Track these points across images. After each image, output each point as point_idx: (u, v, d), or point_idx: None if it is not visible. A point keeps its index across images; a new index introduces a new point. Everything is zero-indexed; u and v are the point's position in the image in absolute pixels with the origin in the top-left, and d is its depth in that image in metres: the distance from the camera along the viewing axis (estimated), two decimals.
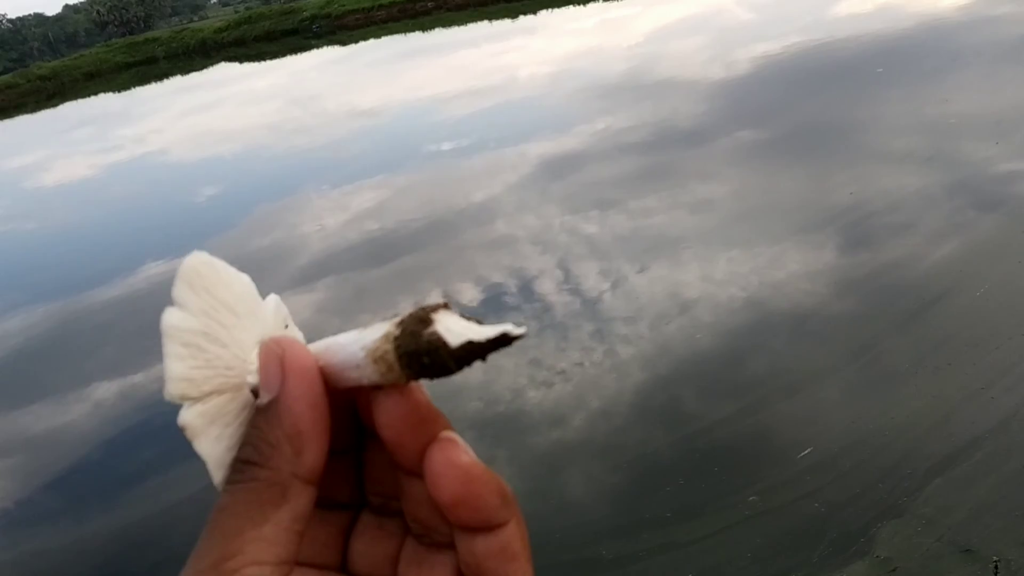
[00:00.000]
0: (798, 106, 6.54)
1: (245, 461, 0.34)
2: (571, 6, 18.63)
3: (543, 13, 18.71)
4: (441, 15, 22.36)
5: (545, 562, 2.48)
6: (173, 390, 0.33)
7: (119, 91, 22.79)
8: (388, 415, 0.34)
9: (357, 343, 0.33)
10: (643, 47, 11.37)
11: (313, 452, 0.34)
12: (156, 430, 3.83)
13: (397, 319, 0.33)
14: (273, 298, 0.39)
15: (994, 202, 4.17)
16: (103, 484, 3.58)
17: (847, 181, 4.74)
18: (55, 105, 22.21)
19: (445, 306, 0.33)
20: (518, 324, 0.31)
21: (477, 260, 4.85)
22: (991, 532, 2.27)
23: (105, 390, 4.37)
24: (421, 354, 0.31)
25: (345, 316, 4.50)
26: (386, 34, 21.13)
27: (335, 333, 0.34)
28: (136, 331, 5.12)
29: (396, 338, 0.32)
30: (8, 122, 21.16)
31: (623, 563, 2.45)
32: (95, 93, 23.23)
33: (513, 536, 0.34)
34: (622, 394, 3.27)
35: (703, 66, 8.81)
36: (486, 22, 19.40)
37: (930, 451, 2.61)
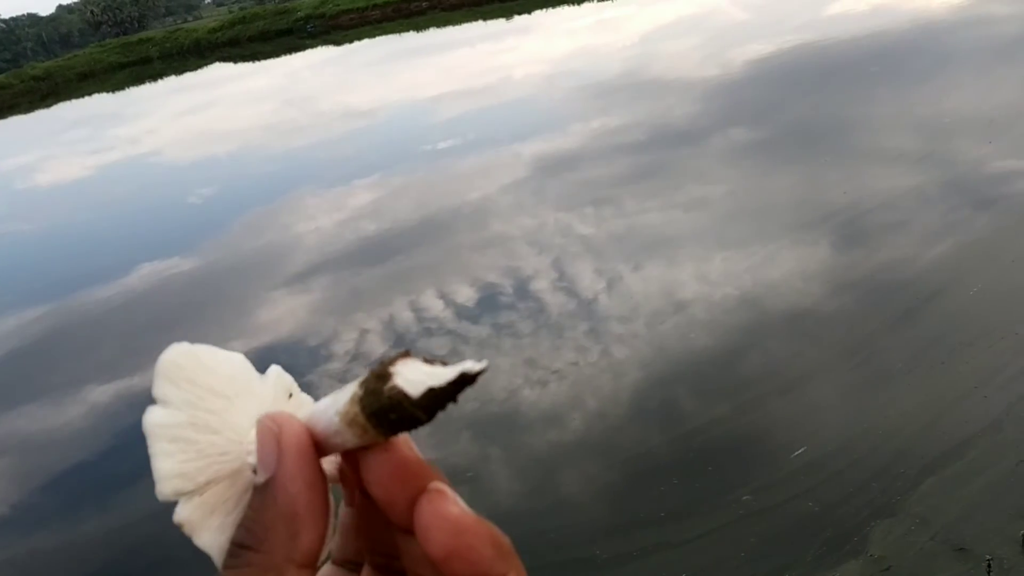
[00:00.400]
0: (792, 105, 6.55)
1: (240, 545, 0.32)
2: (566, 6, 18.63)
3: (538, 13, 18.72)
4: (435, 15, 22.35)
5: (539, 563, 2.48)
6: (165, 489, 0.32)
7: (113, 91, 22.75)
8: (373, 473, 0.33)
9: (332, 408, 0.32)
10: (638, 47, 11.39)
11: (310, 535, 0.32)
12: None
13: (361, 379, 0.32)
14: (274, 370, 0.38)
15: (987, 201, 4.18)
16: (99, 485, 3.57)
17: (840, 180, 4.75)
18: (49, 105, 22.15)
19: (406, 354, 0.32)
20: (479, 360, 0.30)
21: (472, 259, 4.85)
22: (984, 531, 2.28)
23: (100, 390, 4.36)
24: (387, 411, 0.30)
25: (340, 316, 4.49)
26: (380, 34, 21.12)
27: (329, 335, 0.34)
28: (130, 331, 5.11)
29: (360, 399, 0.31)
30: (1, 123, 21.10)
31: (617, 563, 2.45)
32: (89, 93, 23.17)
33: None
34: (616, 394, 3.28)
35: (698, 66, 8.82)
36: (481, 22, 19.40)
37: (923, 450, 2.62)
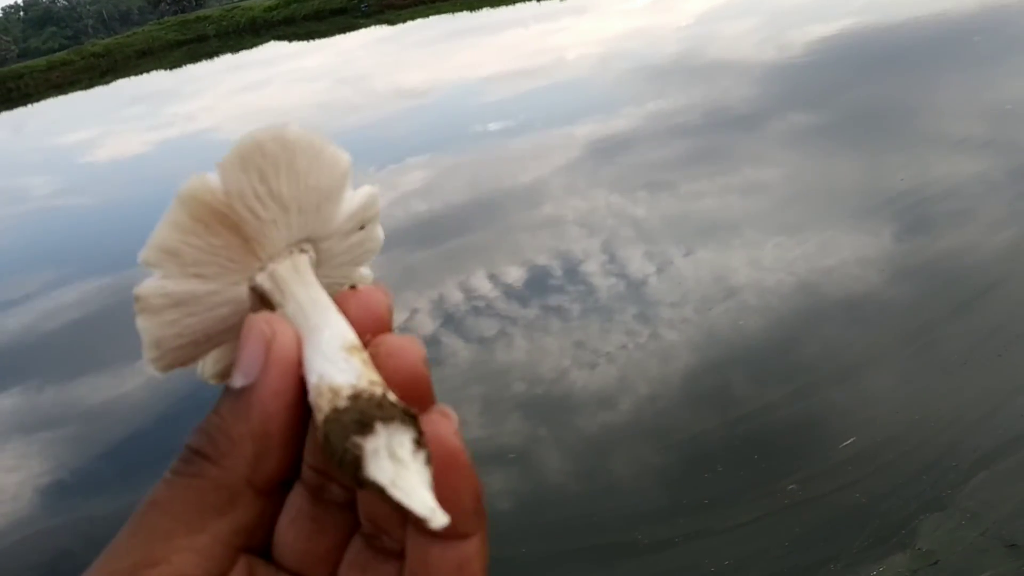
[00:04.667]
0: (850, 89, 6.42)
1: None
2: None
3: None
4: None
5: (580, 545, 2.50)
6: (148, 256, 0.29)
7: (170, 69, 23.11)
8: None
9: (317, 366, 0.29)
10: (694, 28, 11.24)
11: (276, 460, 0.29)
12: (207, 401, 3.90)
13: (359, 385, 0.28)
14: (364, 192, 0.34)
15: None
16: (155, 453, 3.67)
17: (899, 166, 4.66)
18: (108, 82, 22.58)
19: (413, 418, 0.28)
20: (436, 512, 0.26)
21: (523, 241, 4.85)
22: None
23: None
24: (335, 457, 0.27)
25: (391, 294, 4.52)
26: (434, 13, 21.12)
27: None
28: None
29: (329, 415, 0.27)
30: (63, 98, 21.57)
31: (659, 548, 2.46)
32: (147, 70, 23.57)
33: (475, 555, 0.29)
34: (664, 378, 3.27)
35: (755, 48, 8.68)
36: (534, 2, 19.30)
37: (976, 444, 2.58)
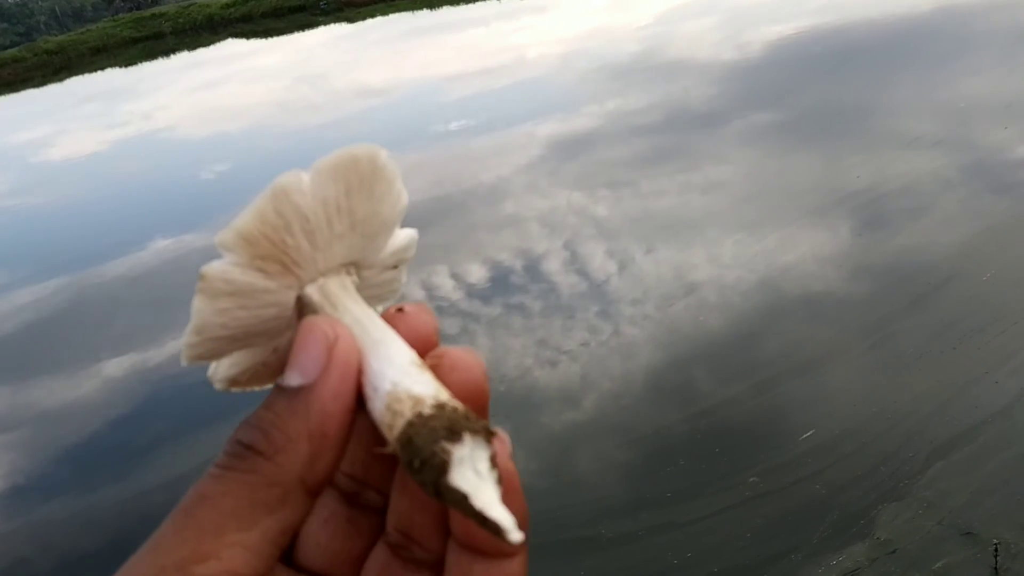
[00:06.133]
0: (807, 88, 6.51)
1: (248, 446, 0.28)
2: None
3: None
4: None
5: (544, 540, 2.50)
6: (227, 238, 0.29)
7: (126, 66, 22.73)
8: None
9: (390, 375, 0.29)
10: (654, 27, 11.31)
11: (329, 461, 0.29)
12: (165, 403, 3.86)
13: (440, 397, 0.29)
14: (408, 234, 0.35)
15: (1002, 186, 4.15)
16: (113, 457, 3.61)
17: (854, 164, 4.73)
18: (62, 80, 22.15)
19: (492, 435, 0.28)
20: (514, 527, 0.27)
21: (485, 239, 4.85)
22: (992, 515, 2.29)
23: (115, 364, 4.39)
24: (417, 459, 0.27)
25: None
26: (394, 11, 21.02)
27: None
28: (145, 306, 5.14)
29: (414, 420, 0.28)
30: (15, 96, 21.13)
31: (622, 542, 2.47)
32: (102, 68, 23.15)
33: (517, 572, 0.30)
34: (625, 375, 3.29)
35: (714, 47, 8.76)
36: (495, 0, 19.29)
37: (932, 435, 2.63)
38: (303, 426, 0.28)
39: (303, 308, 0.31)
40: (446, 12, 19.20)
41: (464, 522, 0.29)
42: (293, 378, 0.29)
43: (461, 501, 0.27)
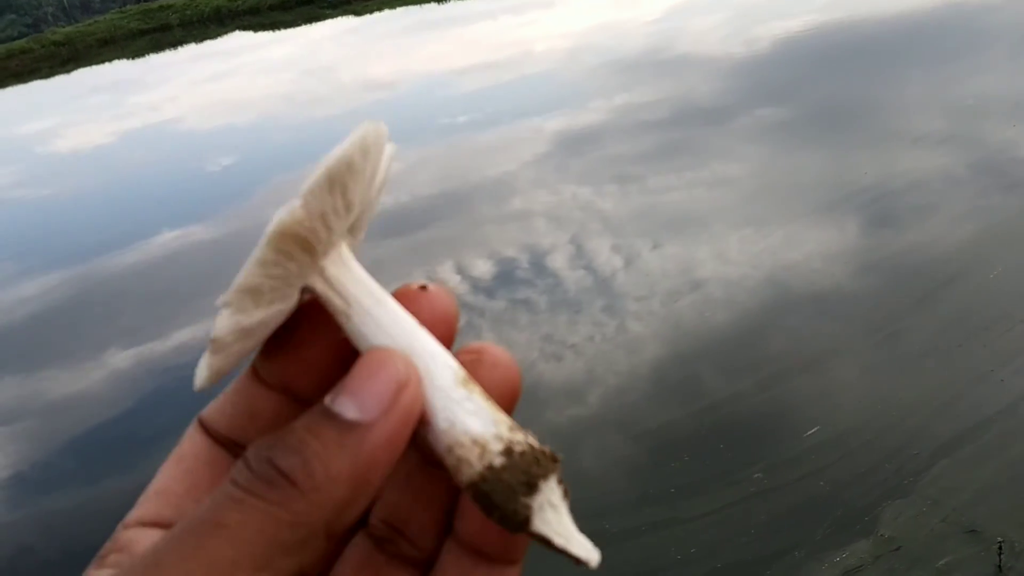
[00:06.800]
0: (815, 85, 6.49)
1: (284, 474, 0.25)
2: None
3: None
4: None
5: None
6: (231, 299, 0.27)
7: (133, 58, 22.74)
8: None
9: (440, 406, 0.28)
10: (661, 23, 11.28)
11: (361, 508, 0.27)
12: (171, 395, 3.87)
13: (502, 433, 0.28)
14: (389, 152, 0.33)
15: (1009, 184, 4.14)
16: (119, 447, 3.63)
17: (862, 161, 4.71)
18: (69, 71, 22.18)
19: (555, 461, 0.29)
20: (592, 553, 0.28)
21: (491, 234, 4.85)
22: (996, 513, 2.29)
23: (121, 356, 4.41)
24: (497, 508, 0.27)
25: None
26: (401, 4, 20.99)
27: None
28: (151, 297, 5.16)
29: (487, 475, 0.27)
30: (22, 87, 21.16)
31: (626, 537, 2.47)
32: (109, 60, 23.17)
33: None
34: (631, 370, 3.29)
35: (721, 43, 8.74)
36: None
37: (937, 432, 2.62)
38: (348, 467, 0.26)
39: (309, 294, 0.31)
40: (454, 6, 19.16)
41: (476, 529, 0.29)
42: (348, 409, 0.26)
43: (544, 542, 0.27)
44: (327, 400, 0.27)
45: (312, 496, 0.25)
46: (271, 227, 0.27)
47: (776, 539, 2.37)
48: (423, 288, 0.32)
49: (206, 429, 0.31)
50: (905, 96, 5.73)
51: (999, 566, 2.12)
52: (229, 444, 0.31)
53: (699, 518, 2.49)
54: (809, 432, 2.73)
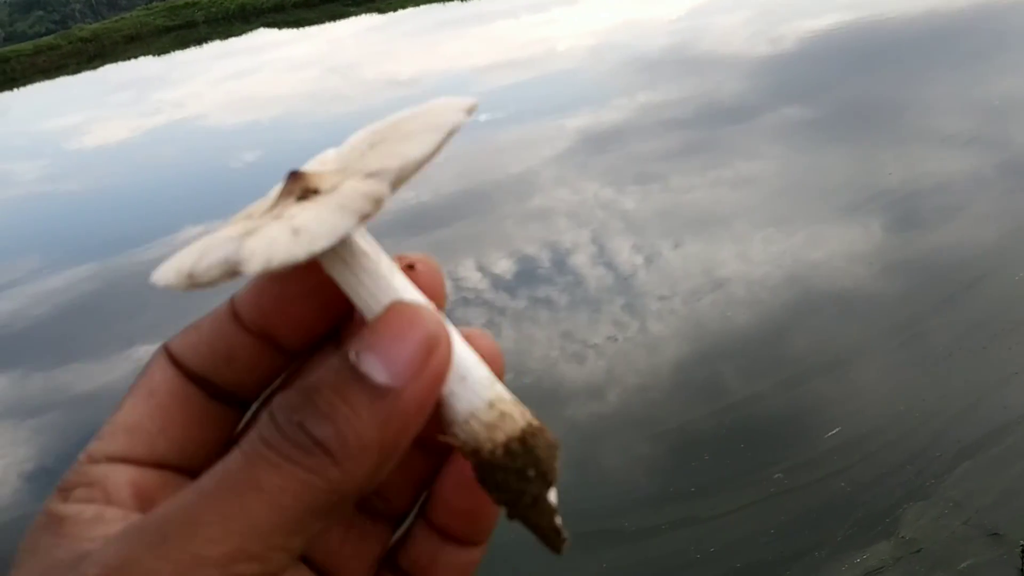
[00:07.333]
0: (840, 84, 6.44)
1: (319, 443, 0.25)
2: None
3: None
4: None
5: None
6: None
7: (159, 55, 22.91)
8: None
9: (472, 383, 0.28)
10: (685, 21, 11.23)
11: (387, 472, 0.27)
12: None
13: (529, 420, 0.28)
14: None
15: None
16: None
17: (887, 161, 4.68)
18: (96, 67, 22.37)
19: (557, 447, 0.29)
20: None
21: (512, 232, 4.86)
22: (1019, 516, 2.27)
23: (144, 350, 4.45)
24: (504, 489, 0.27)
25: None
26: (424, 2, 21.02)
27: None
28: (176, 293, 5.19)
29: (500, 451, 0.27)
30: (50, 83, 21.36)
31: (646, 535, 2.48)
32: (135, 56, 23.36)
33: (478, 560, 0.31)
34: (652, 369, 3.29)
35: (746, 41, 8.69)
36: None
37: (960, 434, 2.60)
38: (380, 435, 0.25)
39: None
40: (477, 3, 19.16)
41: (447, 513, 0.30)
42: (378, 372, 0.26)
43: (535, 525, 0.28)
44: (352, 356, 0.26)
45: (346, 465, 0.25)
46: (447, 120, 0.28)
47: (796, 540, 2.36)
48: (411, 268, 0.31)
49: (175, 361, 0.30)
50: (931, 96, 5.68)
51: (1021, 569, 2.11)
52: (201, 380, 0.30)
53: (719, 518, 2.49)
54: (830, 433, 2.72)
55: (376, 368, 0.26)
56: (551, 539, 0.28)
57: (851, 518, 2.39)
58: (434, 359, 0.26)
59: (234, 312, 0.31)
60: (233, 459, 0.25)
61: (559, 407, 3.15)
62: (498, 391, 0.28)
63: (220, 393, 0.30)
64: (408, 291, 0.29)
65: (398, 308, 0.27)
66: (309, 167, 0.31)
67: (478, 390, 0.28)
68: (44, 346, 4.95)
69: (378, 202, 0.26)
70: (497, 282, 4.24)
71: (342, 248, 0.28)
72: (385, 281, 0.28)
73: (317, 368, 0.27)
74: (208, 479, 0.25)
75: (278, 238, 0.25)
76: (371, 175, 0.27)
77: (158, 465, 0.29)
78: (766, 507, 2.49)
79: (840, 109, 5.88)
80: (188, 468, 0.30)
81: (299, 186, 0.29)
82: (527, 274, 4.26)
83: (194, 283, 0.26)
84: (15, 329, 5.25)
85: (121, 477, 0.28)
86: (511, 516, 0.28)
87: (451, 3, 20.01)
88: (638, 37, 10.56)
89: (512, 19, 15.62)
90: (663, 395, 3.13)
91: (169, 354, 0.31)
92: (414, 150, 0.29)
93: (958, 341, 3.06)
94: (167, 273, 0.27)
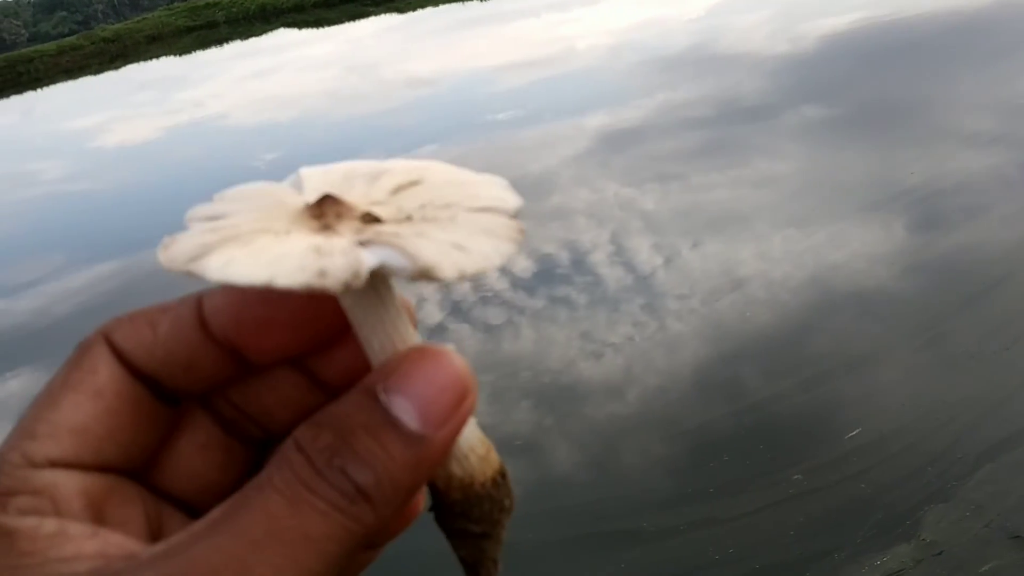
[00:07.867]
0: (861, 82, 6.40)
1: (360, 489, 0.25)
2: None
3: None
4: None
5: (584, 532, 2.51)
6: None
7: (180, 55, 23.09)
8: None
9: (472, 426, 0.28)
10: (705, 20, 11.20)
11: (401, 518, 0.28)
12: None
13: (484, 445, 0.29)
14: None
15: None
16: None
17: (910, 160, 4.65)
18: (118, 67, 22.57)
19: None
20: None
21: (531, 231, 4.83)
22: None
23: None
24: (478, 520, 0.29)
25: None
26: (444, 2, 21.07)
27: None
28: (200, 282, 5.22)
29: (487, 484, 0.29)
30: (72, 83, 21.56)
31: (663, 536, 2.47)
32: (156, 56, 23.56)
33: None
34: (671, 369, 3.28)
35: (766, 40, 8.65)
36: None
37: (983, 436, 2.58)
38: (411, 480, 0.25)
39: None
40: (496, 3, 19.19)
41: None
42: (410, 418, 0.25)
43: (493, 557, 0.30)
44: (381, 394, 0.25)
45: (380, 511, 0.25)
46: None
47: (816, 541, 2.35)
48: None
49: (122, 358, 0.29)
50: (954, 94, 5.63)
51: None
52: (149, 380, 0.29)
53: (738, 518, 2.48)
54: (851, 434, 2.70)
55: (408, 414, 0.25)
56: (490, 570, 0.29)
57: (871, 520, 2.37)
58: (464, 407, 0.26)
59: (201, 319, 0.30)
60: (275, 504, 0.24)
61: (578, 407, 3.15)
62: (476, 425, 0.29)
63: (164, 393, 0.30)
64: (408, 335, 0.28)
65: (429, 352, 0.27)
66: (329, 187, 0.31)
67: (472, 427, 0.28)
68: (67, 345, 4.96)
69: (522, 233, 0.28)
70: (515, 281, 4.24)
71: (379, 281, 0.28)
72: (404, 321, 0.28)
73: (340, 402, 0.26)
74: (249, 523, 0.24)
75: (456, 251, 0.26)
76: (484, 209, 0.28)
77: (102, 469, 0.28)
78: (785, 508, 2.47)
79: (861, 108, 5.84)
80: (130, 470, 0.29)
81: (346, 210, 0.29)
82: (546, 273, 4.26)
83: (324, 286, 0.24)
84: (38, 327, 5.30)
85: (72, 485, 0.26)
86: (470, 550, 0.29)
87: (470, 2, 20.04)
88: (657, 36, 10.54)
89: (532, 18, 15.62)
90: (682, 395, 3.12)
91: (114, 348, 0.30)
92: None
93: (980, 342, 3.03)
94: (286, 271, 0.24)
